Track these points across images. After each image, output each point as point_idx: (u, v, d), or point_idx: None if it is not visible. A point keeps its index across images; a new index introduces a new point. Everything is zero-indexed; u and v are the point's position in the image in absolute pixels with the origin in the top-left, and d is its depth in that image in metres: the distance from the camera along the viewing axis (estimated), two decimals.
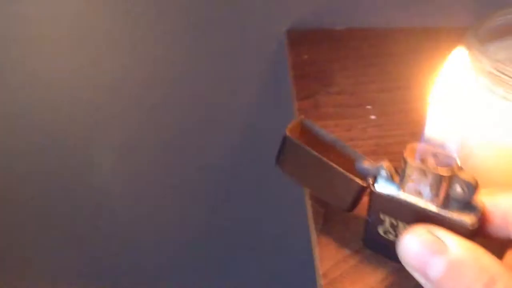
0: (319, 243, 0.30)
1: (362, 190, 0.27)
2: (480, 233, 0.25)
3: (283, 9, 0.51)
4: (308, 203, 0.33)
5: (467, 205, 0.24)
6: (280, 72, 0.54)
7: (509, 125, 0.27)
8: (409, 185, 0.25)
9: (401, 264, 0.25)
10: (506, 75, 0.26)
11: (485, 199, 0.25)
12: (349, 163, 0.28)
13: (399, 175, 0.25)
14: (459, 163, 0.24)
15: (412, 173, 0.24)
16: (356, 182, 0.27)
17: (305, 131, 0.29)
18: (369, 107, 0.41)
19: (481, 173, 0.25)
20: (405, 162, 0.24)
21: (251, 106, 0.57)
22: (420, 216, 0.25)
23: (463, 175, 0.23)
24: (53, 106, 0.58)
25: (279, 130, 0.30)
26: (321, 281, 0.28)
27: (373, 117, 0.40)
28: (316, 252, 0.29)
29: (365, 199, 0.28)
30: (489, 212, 0.25)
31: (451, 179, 0.24)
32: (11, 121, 0.59)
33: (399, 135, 0.38)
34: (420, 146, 0.24)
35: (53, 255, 0.73)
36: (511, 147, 0.28)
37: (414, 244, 0.24)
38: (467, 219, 0.24)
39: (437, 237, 0.23)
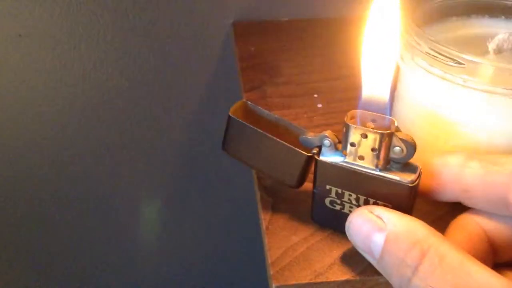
0: (268, 232, 0.29)
1: (308, 161, 0.27)
2: (430, 197, 0.26)
3: (229, 1, 0.51)
4: (257, 194, 0.33)
5: (406, 166, 0.25)
6: (228, 64, 0.53)
7: (446, 103, 0.28)
8: (351, 149, 0.26)
9: (349, 242, 0.26)
10: (442, 55, 0.27)
11: (435, 159, 0.25)
12: (294, 140, 0.28)
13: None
14: (396, 124, 0.24)
15: (354, 137, 0.25)
16: (301, 153, 0.27)
17: (248, 113, 0.29)
18: (315, 95, 0.41)
19: None
20: (347, 126, 0.25)
21: (200, 100, 0.57)
22: (363, 181, 0.26)
23: (401, 135, 0.25)
24: None
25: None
26: (270, 270, 0.27)
27: (319, 105, 0.40)
28: (265, 241, 0.29)
29: (311, 177, 0.28)
30: (439, 173, 0.25)
31: (390, 138, 0.25)
32: None
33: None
34: (359, 112, 0.25)
35: None
36: (446, 123, 0.28)
37: (356, 225, 0.25)
38: (407, 177, 0.25)
39: (377, 215, 0.24)
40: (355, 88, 0.40)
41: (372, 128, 0.25)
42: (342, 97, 0.40)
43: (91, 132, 0.58)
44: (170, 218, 0.67)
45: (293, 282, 0.27)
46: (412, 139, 0.25)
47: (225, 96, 0.54)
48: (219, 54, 0.53)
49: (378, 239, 0.23)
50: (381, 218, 0.24)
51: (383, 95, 0.24)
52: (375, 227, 0.24)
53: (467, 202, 0.26)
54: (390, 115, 0.25)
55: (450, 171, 0.25)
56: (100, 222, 0.67)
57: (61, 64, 0.53)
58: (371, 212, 0.25)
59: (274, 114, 0.29)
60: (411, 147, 0.25)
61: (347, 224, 0.26)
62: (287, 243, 0.29)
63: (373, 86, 0.25)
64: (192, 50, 0.53)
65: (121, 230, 0.68)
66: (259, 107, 0.30)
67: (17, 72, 0.53)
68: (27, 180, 0.61)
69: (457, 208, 0.30)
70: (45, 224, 0.66)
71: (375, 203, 0.27)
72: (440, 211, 0.30)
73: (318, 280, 0.27)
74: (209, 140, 0.54)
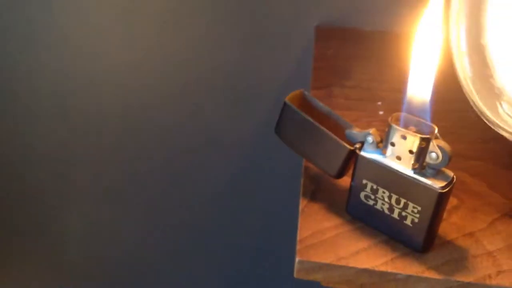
0: (302, 214, 0.32)
1: (350, 154, 0.29)
2: None
3: (314, 5, 0.53)
4: (301, 179, 0.35)
5: (440, 173, 0.27)
6: (306, 65, 0.56)
7: None
8: (391, 149, 0.27)
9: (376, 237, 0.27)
10: None
11: None
12: (341, 134, 0.30)
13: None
14: (436, 131, 0.26)
15: (394, 137, 0.27)
16: (344, 145, 0.29)
17: (303, 102, 0.32)
18: (379, 103, 0.42)
19: None
20: (389, 126, 0.27)
21: (272, 94, 0.60)
22: (397, 180, 0.28)
23: (440, 142, 0.26)
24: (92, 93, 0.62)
25: None
26: (297, 246, 0.30)
27: (381, 112, 0.41)
28: (299, 220, 0.31)
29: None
30: None
31: (428, 143, 0.26)
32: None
33: None
34: (404, 115, 0.27)
35: None
36: None
37: None
38: (438, 183, 0.27)
39: None
40: None
41: (413, 132, 0.27)
42: None
43: (171, 117, 0.63)
44: (211, 190, 0.71)
45: (316, 260, 0.29)
46: (449, 147, 0.26)
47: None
48: (299, 54, 0.56)
49: None
50: None
51: (425, 98, 0.26)
52: None
53: None
54: (430, 119, 0.26)
55: None
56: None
57: (159, 43, 0.58)
58: None
59: (327, 107, 0.32)
60: (447, 155, 0.26)
61: None
62: (318, 226, 0.31)
63: (416, 89, 0.26)
64: (274, 48, 0.56)
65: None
66: (314, 98, 0.32)
67: (118, 45, 0.59)
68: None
69: (494, 225, 0.31)
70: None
71: (405, 204, 0.28)
72: (473, 228, 0.31)
73: (339, 264, 0.29)
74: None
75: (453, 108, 0.38)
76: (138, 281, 0.81)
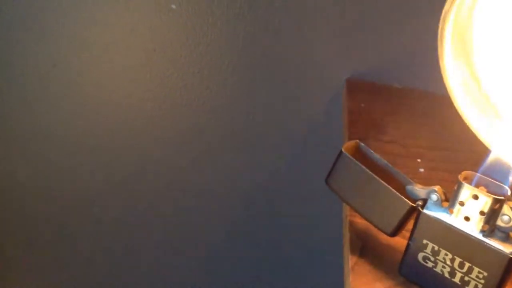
0: (353, 272, 0.30)
1: (410, 211, 0.28)
2: None
3: (346, 59, 0.53)
4: (346, 236, 0.33)
5: (509, 237, 0.25)
6: (333, 114, 0.55)
7: None
8: (459, 208, 0.26)
9: None
10: None
11: None
12: (398, 189, 0.28)
13: (448, 202, 0.26)
14: (510, 193, 0.25)
15: (465, 196, 0.26)
16: (406, 201, 0.28)
17: (359, 153, 0.31)
18: (419, 160, 0.41)
19: None
20: (460, 184, 0.25)
21: (295, 142, 0.59)
22: (463, 243, 0.26)
23: None
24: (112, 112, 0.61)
25: (324, 164, 0.32)
26: None
27: (421, 170, 0.40)
28: (348, 280, 0.29)
29: (408, 228, 0.28)
30: None
31: (502, 205, 0.25)
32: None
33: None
34: (474, 174, 0.25)
35: None
36: None
37: None
38: (509, 248, 0.25)
39: None
40: (459, 162, 0.40)
41: (486, 192, 0.26)
42: (446, 167, 0.41)
43: (197, 156, 0.62)
44: (249, 244, 0.68)
45: None
46: None
47: (321, 145, 0.56)
48: (326, 104, 0.56)
49: None
50: None
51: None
52: None
53: None
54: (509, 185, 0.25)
55: None
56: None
57: (182, 84, 0.58)
58: None
59: (385, 160, 0.30)
60: None
61: None
62: (371, 287, 0.29)
63: (502, 153, 0.25)
64: (302, 95, 0.56)
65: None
66: (371, 150, 0.31)
67: (143, 83, 0.58)
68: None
69: None
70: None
71: (470, 268, 0.27)
72: None
73: None
74: (304, 177, 0.55)
75: None
76: None
